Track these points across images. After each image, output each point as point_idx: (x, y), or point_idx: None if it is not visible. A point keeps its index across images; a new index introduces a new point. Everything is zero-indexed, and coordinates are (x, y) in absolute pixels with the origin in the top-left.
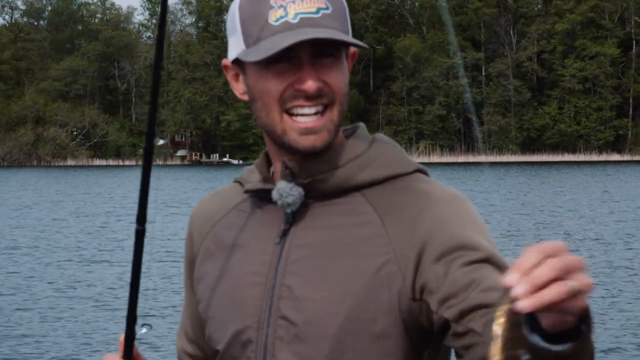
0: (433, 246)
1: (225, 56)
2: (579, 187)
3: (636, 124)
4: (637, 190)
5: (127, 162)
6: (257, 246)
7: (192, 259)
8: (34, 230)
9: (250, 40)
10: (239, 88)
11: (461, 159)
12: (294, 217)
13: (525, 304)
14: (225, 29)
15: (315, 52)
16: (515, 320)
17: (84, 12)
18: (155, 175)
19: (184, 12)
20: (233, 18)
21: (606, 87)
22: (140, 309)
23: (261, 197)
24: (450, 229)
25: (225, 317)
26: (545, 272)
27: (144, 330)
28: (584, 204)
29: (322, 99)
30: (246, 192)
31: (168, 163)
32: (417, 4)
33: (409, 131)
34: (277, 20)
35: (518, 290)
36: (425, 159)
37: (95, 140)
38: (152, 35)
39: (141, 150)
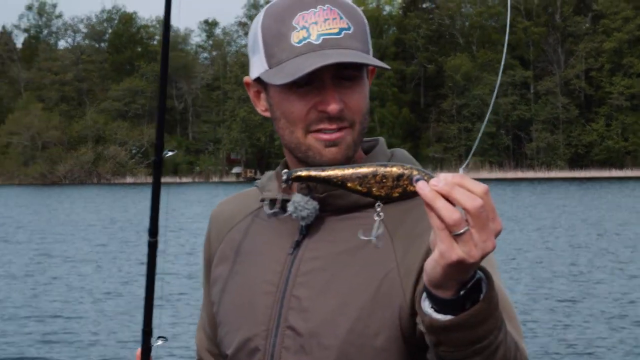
0: None
1: None
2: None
3: None
4: None
5: (184, 180)
6: (270, 255)
7: (209, 260)
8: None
9: (272, 60)
10: (260, 105)
11: (510, 174)
12: (308, 229)
13: (435, 181)
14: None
15: (337, 74)
16: (393, 180)
17: (143, 34)
18: (212, 193)
19: (240, 33)
20: (255, 37)
21: None
22: (157, 322)
23: (278, 206)
24: None
25: (235, 323)
26: (470, 196)
27: (159, 342)
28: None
29: (343, 122)
30: (262, 200)
31: (224, 180)
32: (467, 23)
33: (459, 148)
34: (300, 41)
35: (443, 177)
36: (475, 175)
37: (153, 159)
38: (208, 56)
39: (197, 168)
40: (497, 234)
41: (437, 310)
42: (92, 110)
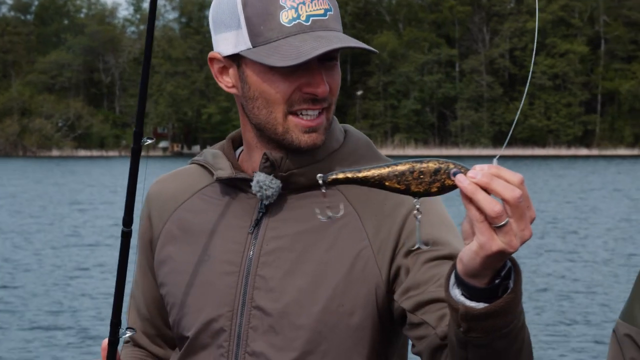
0: (408, 241)
1: (208, 50)
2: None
3: (604, 120)
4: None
5: (110, 153)
6: (228, 235)
7: (151, 240)
8: (23, 218)
9: (259, 39)
10: (226, 81)
11: (435, 152)
12: (267, 207)
13: (474, 173)
14: (209, 23)
15: (322, 55)
16: (431, 174)
17: (70, 6)
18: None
19: (167, 8)
20: (233, 12)
21: (575, 83)
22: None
23: (232, 185)
24: (426, 225)
25: (195, 304)
26: (508, 186)
27: (128, 334)
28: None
29: (324, 104)
30: (218, 179)
31: (150, 154)
32: (393, 1)
33: (385, 125)
34: (290, 21)
35: (479, 168)
36: (400, 152)
37: (79, 132)
38: (136, 30)
39: (124, 142)
40: (532, 222)
41: (469, 298)
42: (17, 83)
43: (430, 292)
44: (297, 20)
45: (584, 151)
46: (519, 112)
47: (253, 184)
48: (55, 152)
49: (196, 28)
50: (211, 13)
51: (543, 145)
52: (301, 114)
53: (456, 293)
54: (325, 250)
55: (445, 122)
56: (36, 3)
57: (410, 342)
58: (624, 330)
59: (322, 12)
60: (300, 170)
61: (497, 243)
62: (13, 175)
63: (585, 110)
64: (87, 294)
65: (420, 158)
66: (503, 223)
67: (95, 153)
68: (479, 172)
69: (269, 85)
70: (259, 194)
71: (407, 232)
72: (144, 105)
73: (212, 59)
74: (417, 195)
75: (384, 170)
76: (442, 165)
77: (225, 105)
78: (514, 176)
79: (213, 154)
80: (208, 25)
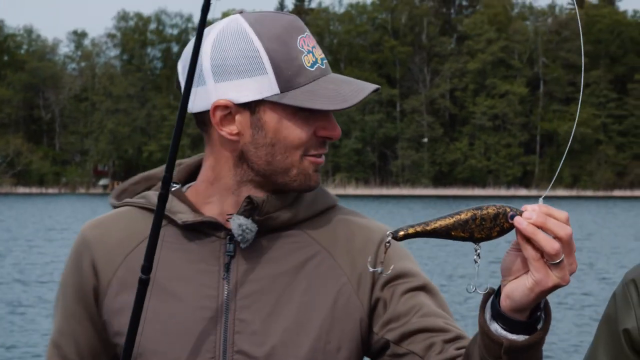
0: (383, 275)
1: (151, 88)
2: None
3: (543, 161)
4: None
5: (50, 190)
6: (198, 280)
7: (95, 289)
8: None
9: (288, 84)
10: (230, 129)
11: (375, 191)
12: (235, 250)
13: (530, 214)
14: (190, 70)
15: None
16: (491, 217)
17: (10, 43)
18: (75, 204)
19: (109, 45)
20: (253, 57)
21: (515, 124)
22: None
23: (190, 228)
24: (395, 258)
25: (172, 353)
26: (561, 225)
27: None
28: None
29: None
30: (184, 223)
31: (91, 192)
32: (335, 40)
33: (326, 164)
34: (312, 65)
35: (531, 208)
36: (341, 191)
37: (19, 169)
38: (76, 67)
39: (64, 179)
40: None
41: (510, 332)
42: None
43: (414, 322)
44: (317, 65)
45: (523, 191)
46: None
47: (234, 227)
48: None
49: (137, 65)
50: (212, 59)
51: (483, 185)
52: (315, 156)
53: (496, 327)
54: (304, 290)
55: (386, 162)
56: None
57: None
58: None
59: (324, 56)
60: (275, 214)
61: (552, 279)
62: None
63: (524, 151)
64: (24, 330)
65: (479, 205)
66: (560, 260)
67: (34, 190)
68: (534, 213)
69: (292, 130)
70: (240, 238)
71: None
72: (175, 152)
73: (218, 107)
74: (479, 240)
75: (450, 221)
76: (500, 210)
77: (166, 143)
78: (562, 214)
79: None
80: (151, 62)
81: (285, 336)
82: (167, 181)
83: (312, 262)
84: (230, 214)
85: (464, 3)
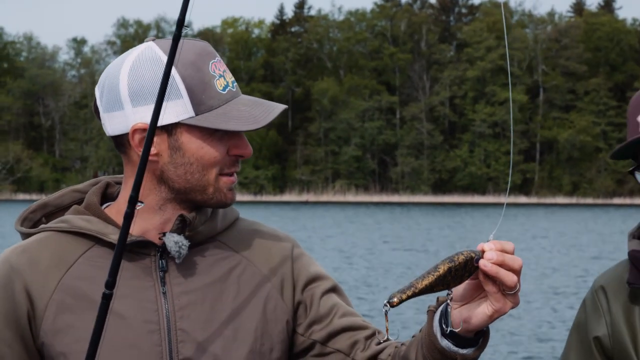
0: (300, 279)
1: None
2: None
3: (542, 168)
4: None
5: None
6: (137, 296)
7: (28, 313)
8: None
9: (202, 107)
10: (150, 150)
11: (375, 198)
12: (166, 265)
13: (491, 255)
14: (110, 94)
15: None
16: (459, 267)
17: (10, 50)
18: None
19: (109, 52)
20: (171, 84)
21: (514, 132)
22: None
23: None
24: (306, 263)
25: None
26: (514, 258)
27: None
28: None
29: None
30: (126, 243)
31: None
32: (335, 48)
33: (326, 171)
34: (223, 89)
35: (488, 248)
36: (341, 198)
37: (19, 175)
38: (76, 74)
39: (64, 186)
40: None
41: (460, 347)
42: None
43: (336, 323)
44: (229, 88)
45: (523, 199)
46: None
47: (170, 245)
48: None
49: None
50: (129, 85)
51: (483, 192)
52: (230, 174)
53: (448, 344)
54: (234, 298)
55: (386, 169)
56: None
57: None
58: None
59: (234, 79)
60: (201, 228)
61: (509, 305)
62: None
63: (524, 158)
64: None
65: (450, 256)
66: (516, 290)
67: (34, 197)
68: (493, 253)
69: (207, 150)
70: (176, 254)
71: (297, 271)
72: (142, 173)
73: (136, 130)
74: (453, 287)
75: (432, 280)
76: (468, 257)
77: None
78: (511, 246)
79: (85, 219)
80: None
81: (224, 342)
82: (133, 201)
83: (237, 271)
84: (163, 233)
85: (463, 11)
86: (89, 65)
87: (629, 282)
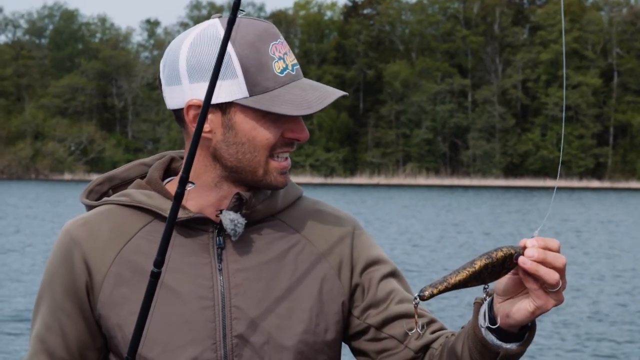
0: (359, 261)
1: None
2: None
3: (616, 152)
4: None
5: None
6: (193, 272)
7: (87, 284)
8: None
9: (256, 88)
10: (203, 127)
11: (446, 181)
12: (224, 242)
13: (532, 252)
14: (173, 68)
15: None
16: (498, 263)
17: (85, 31)
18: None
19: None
20: (227, 63)
21: (588, 115)
22: None
23: (180, 224)
24: (366, 246)
25: (174, 342)
26: (557, 256)
27: None
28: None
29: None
30: (179, 220)
31: None
32: (407, 31)
33: (397, 153)
34: (282, 71)
35: (530, 245)
36: (412, 181)
37: (92, 156)
38: (149, 55)
39: None
40: None
41: (504, 341)
42: (31, 106)
43: (393, 309)
44: (287, 71)
45: (595, 183)
46: None
47: (226, 222)
48: (67, 176)
49: None
50: (188, 60)
51: (554, 176)
52: (277, 156)
53: (492, 338)
54: (290, 277)
55: (457, 152)
56: (50, 27)
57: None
58: None
59: (296, 62)
60: (258, 207)
61: (551, 302)
62: (26, 198)
63: (597, 142)
64: None
65: (488, 252)
66: (559, 287)
67: None
68: (534, 250)
69: (260, 131)
70: (232, 232)
71: (357, 253)
72: (195, 150)
73: (191, 106)
74: (490, 282)
75: (466, 275)
76: (507, 254)
77: None
78: (556, 244)
79: (145, 194)
80: None
81: (278, 320)
82: (183, 182)
83: (295, 250)
84: (220, 210)
85: None
86: (162, 46)
87: None
